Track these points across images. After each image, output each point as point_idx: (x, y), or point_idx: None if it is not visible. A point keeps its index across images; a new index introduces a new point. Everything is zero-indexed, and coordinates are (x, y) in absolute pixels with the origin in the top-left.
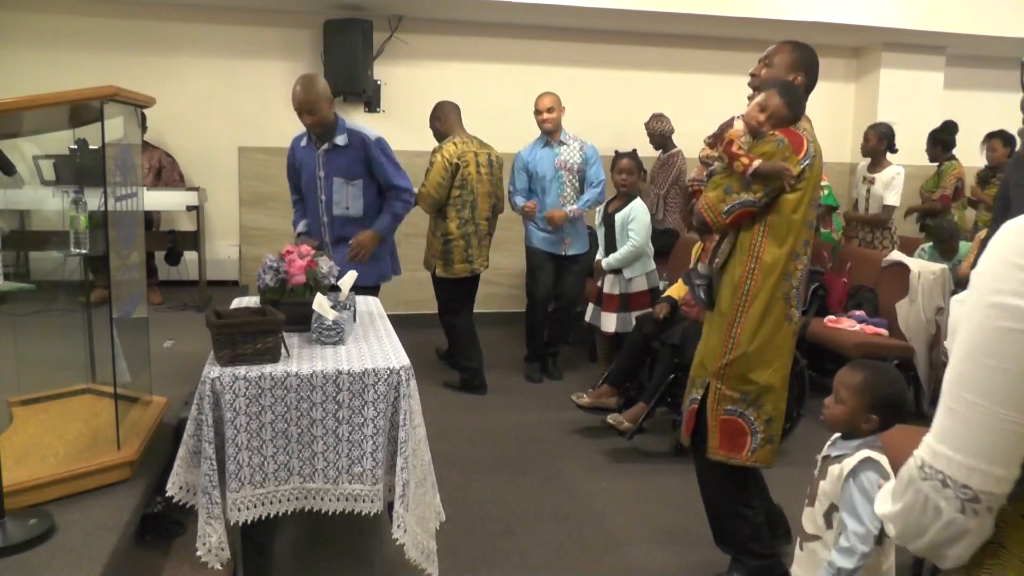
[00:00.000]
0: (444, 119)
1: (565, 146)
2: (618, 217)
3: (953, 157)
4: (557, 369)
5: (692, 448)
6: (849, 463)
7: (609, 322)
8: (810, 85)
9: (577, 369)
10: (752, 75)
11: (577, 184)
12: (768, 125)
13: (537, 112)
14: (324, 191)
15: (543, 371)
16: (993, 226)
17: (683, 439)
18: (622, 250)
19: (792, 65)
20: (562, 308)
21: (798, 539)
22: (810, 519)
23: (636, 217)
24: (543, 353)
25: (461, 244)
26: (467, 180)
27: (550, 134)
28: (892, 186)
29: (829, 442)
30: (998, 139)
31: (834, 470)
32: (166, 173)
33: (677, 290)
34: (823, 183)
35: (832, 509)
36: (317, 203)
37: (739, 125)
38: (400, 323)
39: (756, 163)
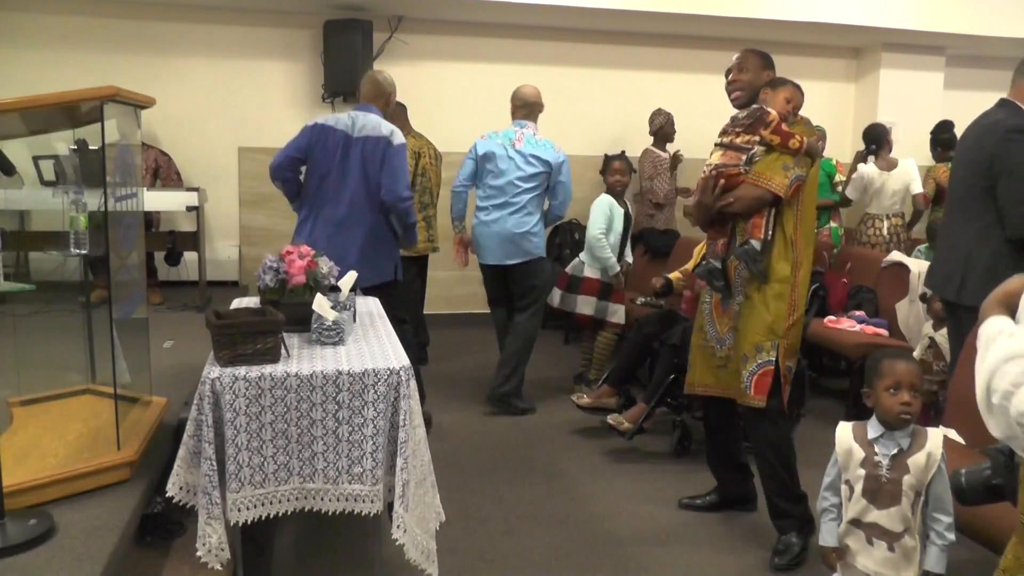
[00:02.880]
0: (394, 120)
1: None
2: None
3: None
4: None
5: (756, 413)
6: (935, 447)
7: (553, 296)
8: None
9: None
10: (731, 80)
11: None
12: (792, 114)
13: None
14: None
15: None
16: None
17: (756, 401)
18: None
19: (762, 66)
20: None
21: (872, 542)
22: (897, 518)
23: (591, 210)
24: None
25: (423, 225)
26: (427, 169)
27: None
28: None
29: (870, 439)
30: None
31: (916, 460)
32: (163, 172)
33: (676, 275)
34: (841, 176)
35: (917, 497)
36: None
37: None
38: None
39: (806, 140)
